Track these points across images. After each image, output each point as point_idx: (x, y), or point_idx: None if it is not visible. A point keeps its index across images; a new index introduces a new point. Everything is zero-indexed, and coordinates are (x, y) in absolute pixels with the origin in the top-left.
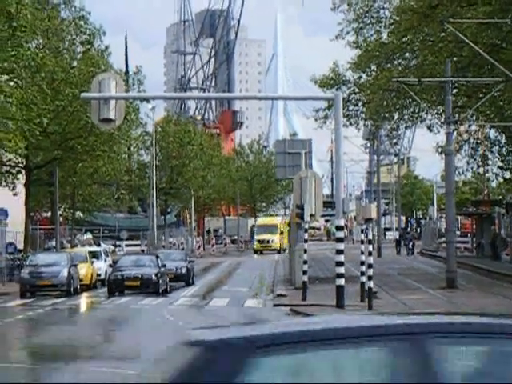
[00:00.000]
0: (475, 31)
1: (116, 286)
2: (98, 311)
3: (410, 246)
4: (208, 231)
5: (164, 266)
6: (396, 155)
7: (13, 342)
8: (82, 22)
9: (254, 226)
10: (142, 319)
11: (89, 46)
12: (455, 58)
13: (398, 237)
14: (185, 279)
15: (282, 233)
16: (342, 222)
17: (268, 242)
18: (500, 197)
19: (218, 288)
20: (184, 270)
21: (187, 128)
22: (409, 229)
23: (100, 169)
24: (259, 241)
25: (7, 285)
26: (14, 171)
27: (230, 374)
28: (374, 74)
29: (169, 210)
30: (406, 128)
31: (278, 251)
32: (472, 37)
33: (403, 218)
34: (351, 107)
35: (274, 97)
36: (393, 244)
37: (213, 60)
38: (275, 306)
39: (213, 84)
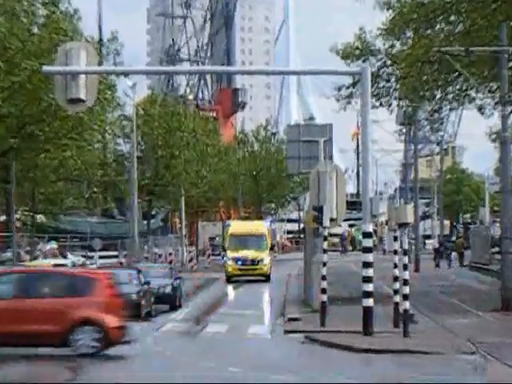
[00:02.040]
0: None
1: None
2: None
3: (452, 258)
4: (212, 239)
5: (147, 283)
6: (438, 144)
7: None
8: None
9: (226, 233)
10: (120, 350)
11: (53, 9)
12: None
13: (436, 246)
14: (169, 301)
15: (272, 248)
16: (370, 228)
17: (253, 262)
18: None
19: (215, 310)
20: (168, 289)
21: (176, 110)
22: (454, 236)
23: (67, 161)
24: (236, 260)
25: None
26: None
27: None
28: (410, 42)
29: (153, 212)
30: (450, 110)
31: (267, 277)
32: None
33: (447, 222)
34: (382, 84)
35: (285, 71)
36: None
37: (208, 25)
38: (286, 332)
39: (208, 55)
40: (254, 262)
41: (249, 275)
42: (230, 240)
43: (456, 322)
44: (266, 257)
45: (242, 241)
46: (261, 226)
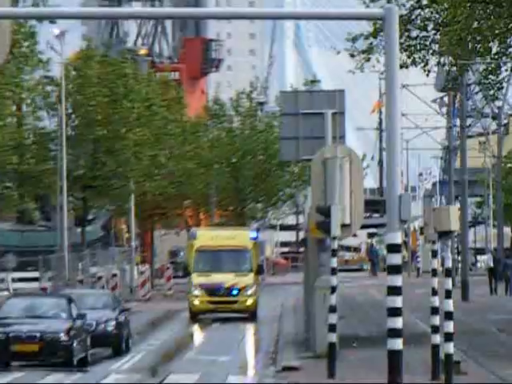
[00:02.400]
0: None
1: None
2: None
3: None
4: (175, 254)
5: (82, 316)
6: (495, 118)
7: None
8: None
9: (189, 248)
10: None
11: None
12: None
13: (491, 264)
14: (112, 342)
15: (259, 270)
16: (398, 239)
17: (229, 292)
18: None
19: (179, 356)
20: (111, 326)
21: (122, 71)
22: None
23: None
24: (205, 289)
25: None
26: None
27: None
28: None
29: (91, 217)
30: None
31: (252, 315)
32: None
33: (508, 230)
34: (415, 33)
35: (277, 14)
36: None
37: None
38: None
39: None
40: (232, 291)
41: (224, 311)
42: (196, 258)
43: None
44: (249, 283)
45: (214, 259)
46: (242, 237)
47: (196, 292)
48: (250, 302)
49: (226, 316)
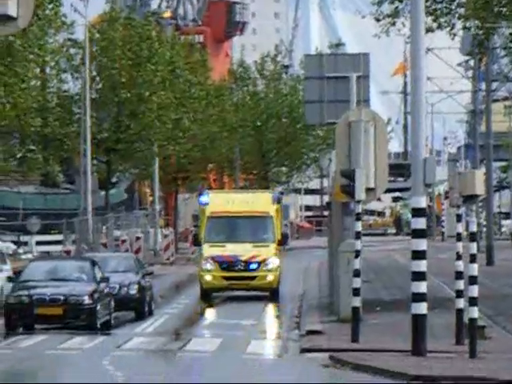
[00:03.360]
0: None
1: (20, 315)
2: None
3: None
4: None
5: (106, 279)
6: None
7: None
8: None
9: (201, 214)
10: (66, 376)
11: None
12: None
13: None
14: (135, 306)
15: (283, 239)
16: (422, 203)
17: (247, 267)
18: None
19: (201, 320)
20: (134, 290)
21: (146, 33)
22: None
23: None
24: (219, 263)
25: None
26: None
27: None
28: None
29: (114, 180)
30: None
31: (273, 293)
32: None
33: None
34: None
35: None
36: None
37: None
38: (303, 351)
39: None
40: (250, 265)
41: (240, 289)
42: (207, 226)
43: None
44: (271, 256)
45: (230, 227)
46: (263, 201)
47: (208, 266)
48: (271, 277)
49: (243, 294)
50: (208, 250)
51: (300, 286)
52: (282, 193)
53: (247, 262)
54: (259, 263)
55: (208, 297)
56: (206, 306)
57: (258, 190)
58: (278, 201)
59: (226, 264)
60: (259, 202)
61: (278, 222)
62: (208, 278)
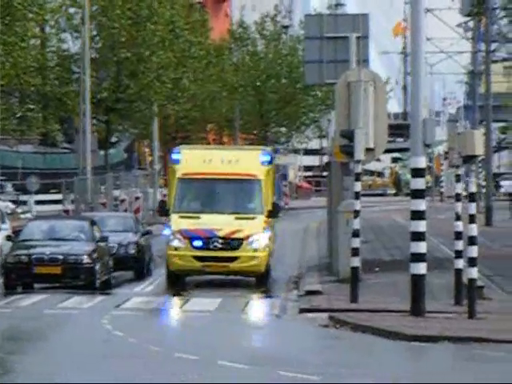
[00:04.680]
0: None
1: (19, 274)
2: None
3: None
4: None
5: (105, 239)
6: None
7: None
8: None
9: (170, 175)
10: (64, 335)
11: None
12: None
13: None
14: (134, 265)
15: (273, 211)
16: (422, 163)
17: (227, 244)
18: None
19: (201, 278)
20: (133, 249)
21: None
22: None
23: None
24: (190, 239)
25: None
26: None
27: None
28: None
29: (114, 139)
30: None
31: (261, 278)
32: None
33: None
34: None
35: None
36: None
37: None
38: (302, 311)
39: None
40: (231, 242)
41: (217, 273)
42: (177, 191)
43: None
44: (258, 230)
45: (205, 193)
46: (250, 161)
47: (175, 243)
48: (257, 259)
49: (221, 279)
50: (177, 223)
51: (299, 247)
52: (275, 151)
53: (226, 239)
54: (242, 240)
55: (176, 282)
56: None
57: (244, 146)
58: (270, 161)
59: (200, 240)
60: (245, 161)
61: (269, 189)
62: (176, 258)
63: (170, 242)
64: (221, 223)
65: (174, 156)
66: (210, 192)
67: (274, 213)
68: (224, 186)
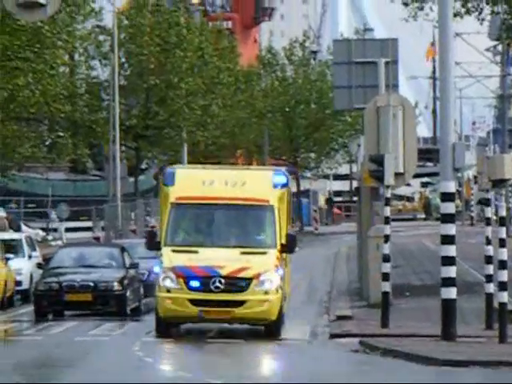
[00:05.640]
0: None
1: (50, 302)
2: (14, 349)
3: None
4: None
5: (135, 266)
6: None
7: None
8: None
9: (162, 199)
10: (95, 362)
11: None
12: None
13: None
14: None
15: (287, 244)
16: (452, 187)
17: (230, 285)
18: None
19: None
20: None
21: (175, 20)
22: None
23: (19, 92)
24: (187, 277)
25: None
26: None
27: None
28: None
29: (143, 166)
30: None
31: (272, 328)
32: None
33: None
34: None
35: None
36: None
37: None
38: (333, 336)
39: None
40: (237, 282)
41: (219, 321)
42: (171, 219)
43: None
44: (270, 269)
45: (204, 222)
46: (260, 183)
47: (167, 283)
48: (268, 304)
49: (222, 328)
50: (169, 258)
51: (329, 273)
52: (293, 172)
53: (231, 278)
54: (249, 280)
55: (165, 331)
56: None
57: (252, 166)
58: (285, 183)
59: (197, 280)
60: (253, 183)
61: (284, 217)
62: (167, 302)
63: (161, 282)
64: (224, 259)
65: (167, 176)
66: (211, 221)
67: (289, 247)
68: (228, 213)
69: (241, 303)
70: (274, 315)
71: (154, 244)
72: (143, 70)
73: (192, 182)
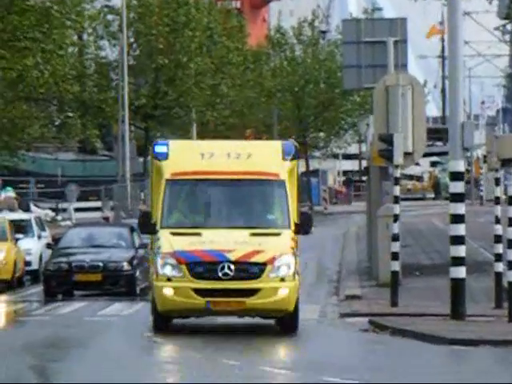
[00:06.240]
0: None
1: (59, 282)
2: (23, 329)
3: None
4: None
5: (144, 245)
6: None
7: None
8: None
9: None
10: (105, 342)
11: None
12: None
13: None
14: None
15: (301, 223)
16: (461, 167)
17: (240, 271)
18: None
19: None
20: None
21: (184, 0)
22: None
23: (28, 72)
24: (190, 263)
25: None
26: None
27: None
28: None
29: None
30: None
31: (287, 320)
32: None
33: None
34: None
35: None
36: None
37: None
38: (342, 316)
39: None
40: (249, 268)
41: (228, 313)
42: (165, 198)
43: None
44: (287, 251)
45: (207, 200)
46: (268, 155)
47: (167, 270)
48: (285, 292)
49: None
50: (169, 242)
51: (339, 252)
52: (303, 143)
53: (242, 264)
54: (264, 265)
55: (164, 325)
56: None
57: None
58: (294, 155)
59: (203, 267)
60: (260, 156)
61: (295, 192)
62: (168, 291)
63: (160, 270)
64: (232, 242)
65: (159, 149)
66: (213, 199)
67: (304, 227)
68: (232, 190)
69: (254, 292)
70: (291, 306)
71: (148, 226)
72: (152, 49)
73: (189, 155)
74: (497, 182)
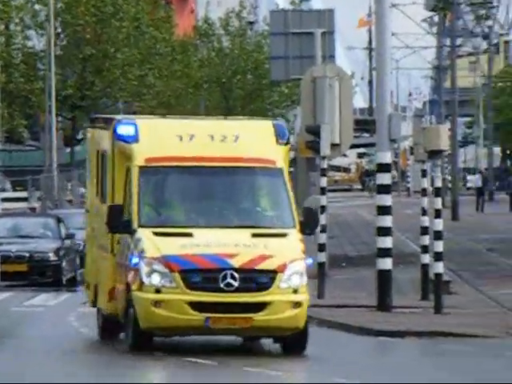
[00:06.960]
0: None
1: None
2: None
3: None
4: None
5: (71, 236)
6: (485, 38)
7: None
8: None
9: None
10: (31, 333)
11: None
12: None
13: (480, 183)
14: None
15: (306, 220)
16: (387, 158)
17: (246, 281)
18: None
19: None
20: None
21: None
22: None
23: None
24: (185, 270)
25: None
26: None
27: None
28: None
29: (80, 136)
30: None
31: (299, 340)
32: None
33: (498, 149)
34: None
35: None
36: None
37: None
38: None
39: None
40: (257, 278)
41: (233, 332)
42: (140, 190)
43: (509, 292)
44: (298, 256)
45: (193, 192)
46: (258, 136)
47: (155, 280)
48: (298, 306)
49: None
50: (153, 244)
51: None
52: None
53: (247, 272)
54: (274, 273)
55: (149, 343)
56: None
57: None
58: (288, 139)
59: (201, 275)
60: (249, 138)
61: (290, 183)
62: (157, 307)
63: (145, 278)
64: (233, 244)
65: (124, 129)
66: (201, 191)
67: (309, 225)
68: (222, 180)
69: (262, 307)
70: (302, 322)
71: (120, 224)
72: (79, 40)
73: (164, 136)
74: (423, 173)
